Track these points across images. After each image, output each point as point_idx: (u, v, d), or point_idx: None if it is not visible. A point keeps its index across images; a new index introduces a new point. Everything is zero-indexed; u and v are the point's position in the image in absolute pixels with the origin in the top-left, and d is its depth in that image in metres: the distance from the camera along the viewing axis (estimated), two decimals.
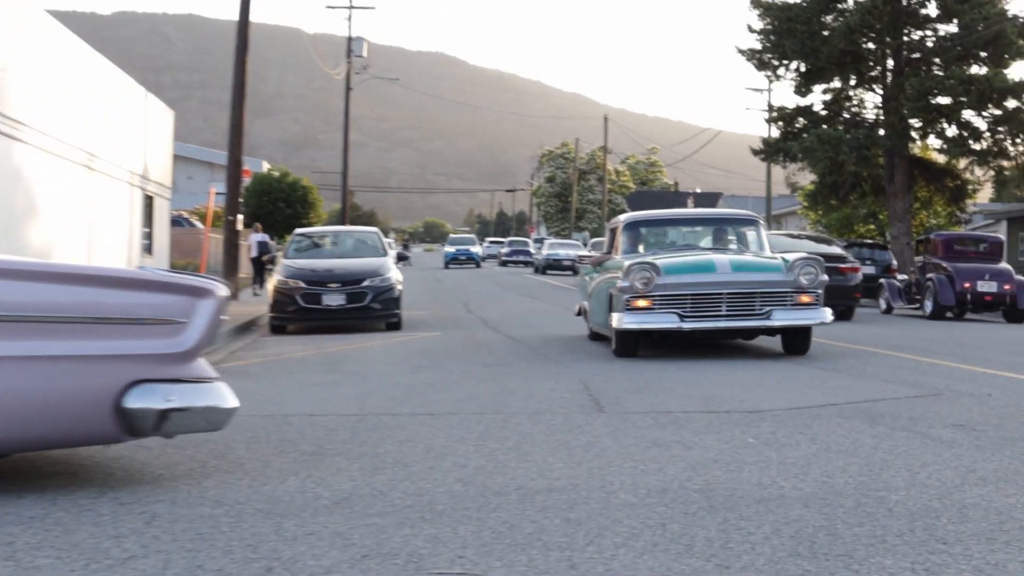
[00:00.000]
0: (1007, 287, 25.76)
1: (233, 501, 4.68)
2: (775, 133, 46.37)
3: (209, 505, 4.60)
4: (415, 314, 20.90)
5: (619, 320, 12.15)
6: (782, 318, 12.16)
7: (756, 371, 11.17)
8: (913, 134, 42.66)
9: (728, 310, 12.20)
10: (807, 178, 51.24)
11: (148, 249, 27.77)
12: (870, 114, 44.17)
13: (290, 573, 3.53)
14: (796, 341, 12.83)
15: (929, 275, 26.45)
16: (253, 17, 25.43)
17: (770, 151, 45.65)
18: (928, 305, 26.10)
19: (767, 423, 7.33)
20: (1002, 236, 29.63)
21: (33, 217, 19.55)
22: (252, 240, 33.10)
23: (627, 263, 12.57)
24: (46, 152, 20.01)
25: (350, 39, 48.77)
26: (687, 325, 12.12)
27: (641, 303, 12.11)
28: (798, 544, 3.94)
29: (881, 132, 42.67)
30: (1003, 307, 25.84)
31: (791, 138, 44.35)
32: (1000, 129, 41.44)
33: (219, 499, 4.72)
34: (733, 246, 14.39)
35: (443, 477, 5.28)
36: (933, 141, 44.05)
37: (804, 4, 42.73)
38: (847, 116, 44.27)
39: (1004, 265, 27.04)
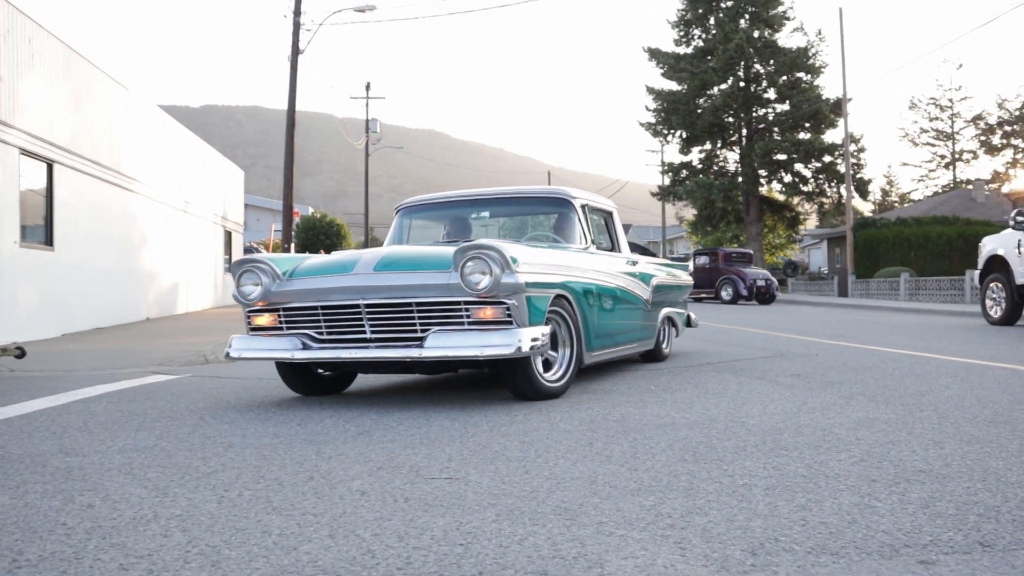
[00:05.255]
0: (770, 282, 30.27)
1: (286, 434, 4.62)
2: (667, 181, 46.60)
3: (268, 437, 4.53)
4: None
5: (229, 344, 6.08)
6: (436, 345, 5.41)
7: None
8: (761, 180, 43.00)
9: (374, 331, 5.67)
10: (690, 212, 51.40)
11: (228, 270, 27.57)
12: (732, 167, 44.50)
13: (326, 480, 3.47)
14: (509, 375, 5.73)
15: (724, 276, 30.26)
16: (298, 107, 25.36)
17: (663, 193, 46.04)
18: (726, 295, 29.98)
19: (664, 376, 7.30)
20: (750, 251, 34.26)
21: (145, 247, 19.35)
22: None
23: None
24: (153, 200, 19.82)
25: (367, 120, 48.61)
26: (311, 354, 5.67)
27: (262, 319, 6.04)
28: (685, 453, 3.91)
29: (739, 179, 42.96)
30: (767, 295, 29.96)
31: (678, 184, 44.72)
32: (820, 177, 41.99)
33: (276, 432, 4.66)
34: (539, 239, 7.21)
35: (435, 416, 5.23)
36: (775, 185, 44.43)
37: (684, 91, 43.03)
38: (716, 168, 44.63)
39: (764, 270, 32.14)
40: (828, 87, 72.17)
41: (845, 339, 11.62)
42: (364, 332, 5.70)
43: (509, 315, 5.48)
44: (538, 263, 5.77)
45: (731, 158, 44.85)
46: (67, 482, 3.49)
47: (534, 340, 5.41)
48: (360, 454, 3.99)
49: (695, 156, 45.07)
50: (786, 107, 42.50)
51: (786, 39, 43.16)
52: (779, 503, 2.99)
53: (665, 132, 44.23)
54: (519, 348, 5.31)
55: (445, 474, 3.53)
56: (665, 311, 8.67)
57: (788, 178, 42.57)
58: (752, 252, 33.34)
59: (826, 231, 53.70)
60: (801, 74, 41.99)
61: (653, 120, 44.20)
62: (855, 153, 40.02)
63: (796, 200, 44.27)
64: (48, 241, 14.63)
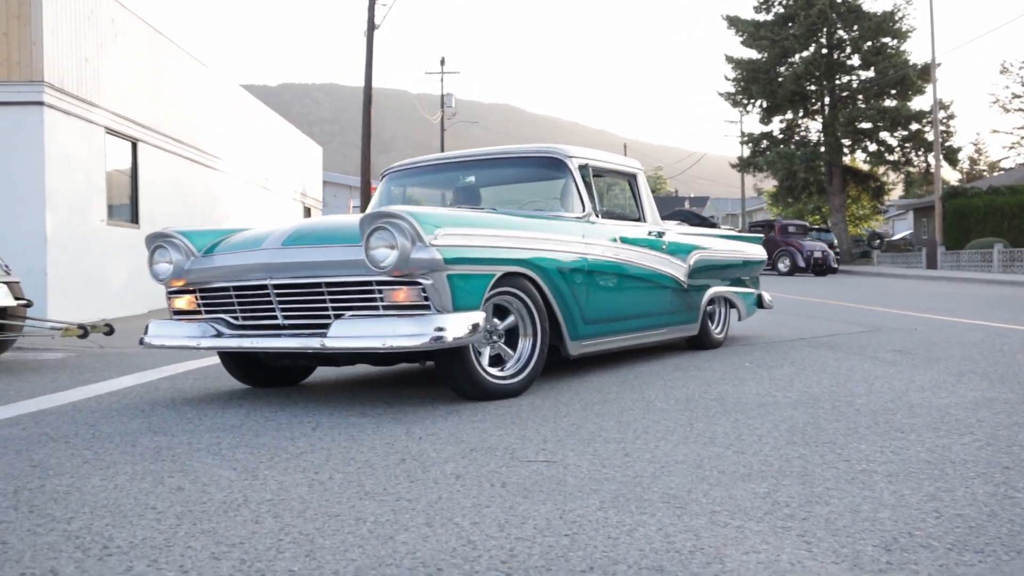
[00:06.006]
0: (826, 253, 30.13)
1: (373, 413, 4.52)
2: (746, 152, 45.65)
3: (356, 416, 4.44)
4: None
5: (144, 329, 5.32)
6: (339, 335, 4.42)
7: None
8: (845, 150, 41.86)
9: (287, 316, 4.78)
10: (770, 183, 50.43)
11: None
12: (814, 136, 43.38)
13: (418, 463, 3.34)
14: (444, 365, 4.67)
15: (780, 248, 30.04)
16: (374, 84, 25.40)
17: (743, 165, 45.13)
18: (783, 267, 29.89)
19: (758, 352, 7.06)
20: (806, 223, 34.48)
21: (227, 224, 19.56)
22: None
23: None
24: (235, 177, 20.02)
25: (443, 96, 48.58)
26: (220, 342, 4.90)
27: (181, 302, 5.24)
28: (793, 435, 3.70)
29: (822, 149, 41.87)
30: (824, 266, 29.78)
31: (758, 155, 43.77)
32: (907, 145, 40.66)
33: (363, 412, 4.56)
34: (534, 205, 6.00)
35: (525, 395, 5.07)
36: (859, 155, 43.24)
37: (764, 59, 42.04)
38: (797, 138, 43.55)
39: (819, 243, 31.23)
40: (915, 52, 69.88)
41: (941, 312, 11.17)
42: (275, 316, 4.82)
43: (426, 298, 4.42)
44: (471, 234, 4.62)
45: (813, 127, 43.72)
46: (156, 463, 3.42)
47: (471, 328, 4.37)
48: (451, 435, 3.86)
49: (776, 126, 44.05)
50: (871, 74, 41.18)
51: (871, 3, 41.93)
52: (905, 492, 2.76)
53: (745, 102, 43.29)
54: (437, 338, 4.23)
55: (541, 456, 3.37)
56: (716, 290, 7.38)
57: (873, 147, 41.35)
58: (807, 224, 33.65)
59: (912, 201, 52.15)
60: (887, 39, 40.63)
61: (732, 90, 43.29)
62: (944, 120, 38.67)
63: (881, 170, 43.00)
64: (134, 219, 14.85)
